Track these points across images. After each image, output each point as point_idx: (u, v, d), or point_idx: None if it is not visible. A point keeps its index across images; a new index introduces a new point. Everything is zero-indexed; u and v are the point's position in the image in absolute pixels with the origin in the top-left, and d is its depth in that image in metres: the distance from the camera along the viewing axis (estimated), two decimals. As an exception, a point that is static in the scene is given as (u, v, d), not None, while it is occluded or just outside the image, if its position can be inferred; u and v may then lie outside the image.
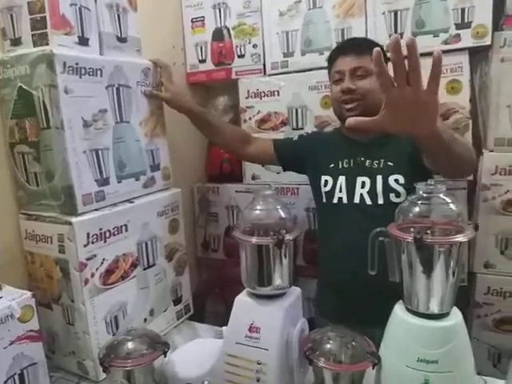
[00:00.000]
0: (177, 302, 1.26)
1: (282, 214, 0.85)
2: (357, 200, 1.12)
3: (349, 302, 1.09)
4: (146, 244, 1.12)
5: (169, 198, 1.20)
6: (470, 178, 1.29)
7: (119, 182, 1.04)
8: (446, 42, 1.28)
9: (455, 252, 0.69)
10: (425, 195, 0.73)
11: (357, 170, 1.14)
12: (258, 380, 0.80)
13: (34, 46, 0.92)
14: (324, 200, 1.19)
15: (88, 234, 0.94)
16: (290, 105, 1.49)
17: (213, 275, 1.70)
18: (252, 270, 0.83)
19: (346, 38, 1.38)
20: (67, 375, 1.01)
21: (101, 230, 0.97)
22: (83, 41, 0.98)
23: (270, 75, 1.52)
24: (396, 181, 1.08)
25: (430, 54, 0.65)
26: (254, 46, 1.53)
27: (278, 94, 1.51)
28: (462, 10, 1.25)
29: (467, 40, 1.25)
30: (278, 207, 0.85)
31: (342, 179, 1.15)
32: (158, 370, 0.91)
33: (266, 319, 0.81)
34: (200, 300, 1.61)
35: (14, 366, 0.82)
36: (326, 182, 1.17)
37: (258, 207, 0.85)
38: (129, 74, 1.06)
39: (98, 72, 0.98)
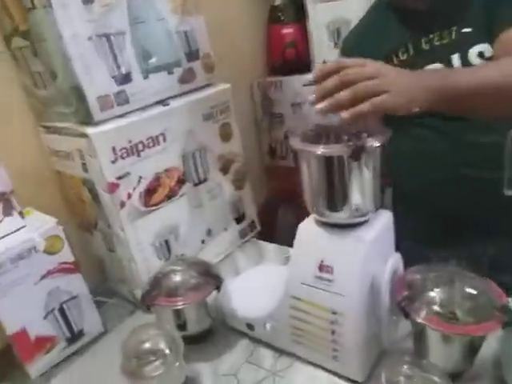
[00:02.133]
0: (239, 219, 1.08)
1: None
2: None
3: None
4: (194, 155, 0.91)
5: (216, 96, 0.94)
6: None
7: (146, 78, 0.80)
8: None
9: None
10: None
11: (423, 56, 0.78)
12: (333, 332, 0.60)
13: None
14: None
15: (114, 148, 0.75)
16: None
17: (283, 185, 1.50)
18: (319, 191, 0.59)
19: None
20: (122, 302, 0.92)
21: (130, 142, 0.78)
22: None
23: None
24: (481, 55, 0.72)
25: None
26: None
27: None
28: None
29: None
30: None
31: None
32: (211, 304, 0.77)
33: (341, 256, 0.58)
34: (269, 214, 1.45)
35: (51, 301, 0.74)
36: None
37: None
38: None
39: None
